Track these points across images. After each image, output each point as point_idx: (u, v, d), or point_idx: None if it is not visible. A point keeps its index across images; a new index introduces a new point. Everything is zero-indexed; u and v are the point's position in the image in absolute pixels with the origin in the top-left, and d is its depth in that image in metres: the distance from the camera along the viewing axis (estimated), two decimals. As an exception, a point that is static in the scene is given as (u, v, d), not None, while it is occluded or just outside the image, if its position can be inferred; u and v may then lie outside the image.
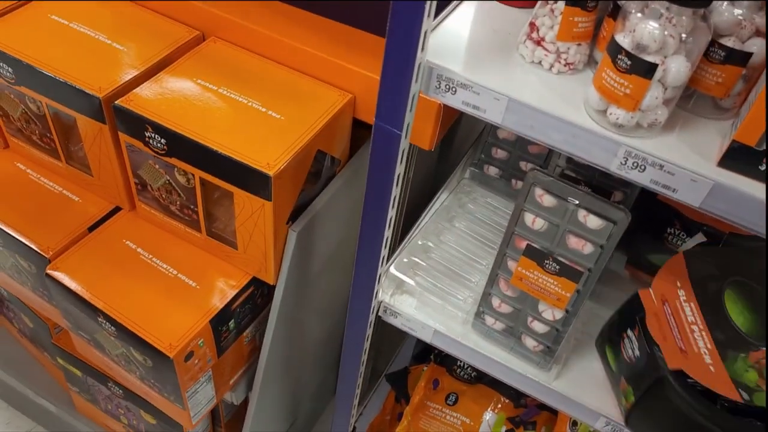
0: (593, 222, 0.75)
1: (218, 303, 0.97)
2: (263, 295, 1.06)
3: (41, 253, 1.01)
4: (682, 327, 0.77)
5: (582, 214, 0.75)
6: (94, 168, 1.03)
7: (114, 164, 1.00)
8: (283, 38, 0.99)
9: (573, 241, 0.77)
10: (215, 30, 1.04)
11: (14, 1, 1.05)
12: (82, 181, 1.08)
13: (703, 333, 0.76)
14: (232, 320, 1.01)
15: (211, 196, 0.96)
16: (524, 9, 0.80)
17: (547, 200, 0.76)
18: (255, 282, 1.02)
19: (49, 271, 0.99)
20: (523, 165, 1.07)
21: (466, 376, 1.28)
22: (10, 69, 0.97)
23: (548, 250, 0.79)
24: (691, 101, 0.68)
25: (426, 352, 1.37)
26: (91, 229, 1.05)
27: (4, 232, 1.03)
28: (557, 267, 0.79)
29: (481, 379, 1.28)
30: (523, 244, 0.80)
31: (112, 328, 0.96)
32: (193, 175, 0.92)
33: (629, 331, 0.83)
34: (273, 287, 1.01)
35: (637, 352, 0.81)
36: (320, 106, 0.95)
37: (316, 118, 0.93)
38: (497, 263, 0.85)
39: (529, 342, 0.89)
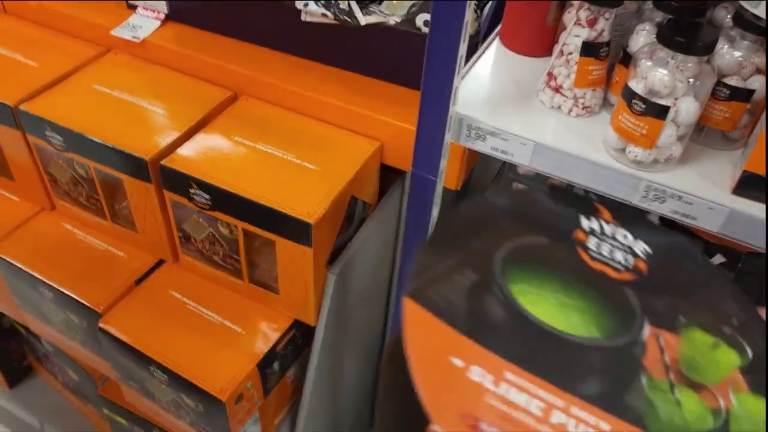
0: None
1: (263, 347, 1.02)
2: (303, 336, 1.11)
3: (92, 308, 1.06)
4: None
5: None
6: (139, 224, 1.10)
7: (159, 220, 1.06)
8: (311, 93, 1.06)
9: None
10: (247, 89, 1.12)
11: (58, 76, 1.13)
12: (126, 237, 1.14)
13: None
14: (276, 362, 1.06)
15: (253, 244, 1.02)
16: (539, 58, 0.87)
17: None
18: (296, 324, 1.07)
19: (101, 325, 1.04)
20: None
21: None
22: (60, 137, 1.04)
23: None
24: (702, 134, 0.74)
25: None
26: (138, 282, 1.11)
27: (57, 289, 1.09)
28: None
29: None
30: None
31: (164, 376, 1.01)
32: (236, 226, 0.98)
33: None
34: (313, 328, 1.06)
35: None
36: (351, 154, 1.02)
37: (348, 167, 0.99)
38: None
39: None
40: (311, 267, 0.96)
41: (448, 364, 0.61)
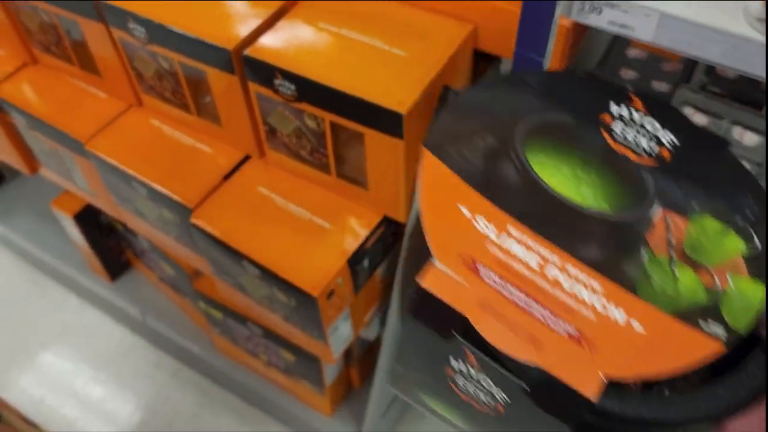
0: (750, 139, 0.71)
1: (353, 243, 1.00)
2: (393, 234, 1.08)
3: (184, 204, 1.07)
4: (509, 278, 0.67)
5: (737, 131, 0.71)
6: (225, 119, 1.08)
7: (244, 114, 1.03)
8: (399, -27, 0.98)
9: (730, 158, 0.73)
10: (330, -29, 1.04)
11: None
12: (212, 132, 1.13)
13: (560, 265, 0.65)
14: (366, 259, 1.04)
15: (341, 137, 0.98)
16: None
17: (699, 119, 0.72)
18: (386, 221, 1.04)
19: (193, 221, 1.05)
20: (657, 84, 1.02)
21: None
22: (142, 29, 1.01)
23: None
24: None
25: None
26: (226, 177, 1.10)
27: (149, 186, 1.10)
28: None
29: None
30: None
31: (257, 271, 1.01)
32: (323, 119, 0.93)
33: None
34: (402, 225, 1.03)
35: None
36: (442, 39, 0.94)
37: (440, 53, 0.92)
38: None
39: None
40: (402, 160, 0.91)
41: (456, 211, 0.67)
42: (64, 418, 1.60)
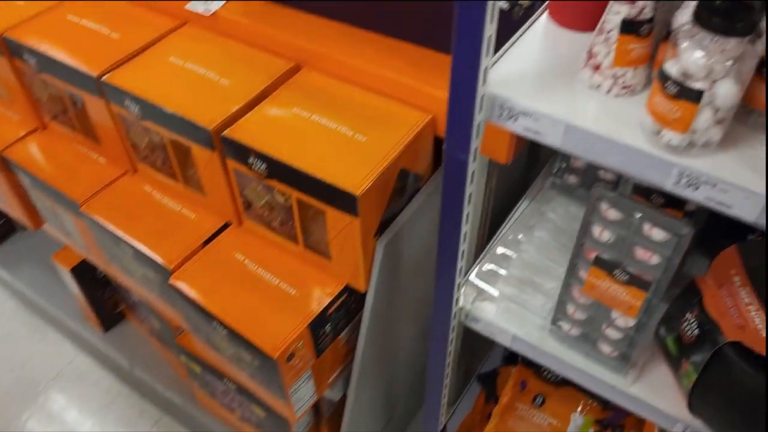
0: (658, 235, 0.78)
1: (315, 308, 1.08)
2: (356, 301, 1.16)
3: (165, 265, 1.15)
4: (738, 308, 0.79)
5: (647, 227, 0.78)
6: (207, 189, 1.17)
7: (223, 186, 1.13)
8: (368, 65, 1.08)
9: (640, 253, 0.80)
10: (308, 60, 1.15)
11: (137, 48, 1.21)
12: (196, 200, 1.22)
13: (759, 312, 0.78)
14: (329, 324, 1.11)
15: (307, 212, 1.07)
16: (586, 33, 0.84)
17: (612, 214, 0.80)
18: (348, 289, 1.11)
19: (171, 282, 1.13)
20: (602, 173, 1.11)
21: (552, 378, 1.32)
22: (137, 107, 1.12)
23: (617, 260, 0.83)
24: (750, 117, 0.70)
25: (516, 354, 1.42)
26: (206, 243, 1.19)
27: (135, 247, 1.19)
28: (626, 276, 0.82)
29: (567, 381, 1.31)
30: (593, 255, 0.84)
31: (225, 331, 1.09)
32: (290, 195, 1.02)
33: (688, 314, 0.86)
34: (365, 294, 1.11)
35: (696, 331, 0.84)
36: (402, 127, 1.03)
37: (398, 140, 1.01)
38: (569, 272, 0.90)
39: (605, 348, 0.93)
40: (359, 236, 1.00)
41: None
42: (49, 462, 1.65)
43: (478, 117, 0.74)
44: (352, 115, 1.06)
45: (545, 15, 0.88)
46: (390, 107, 1.08)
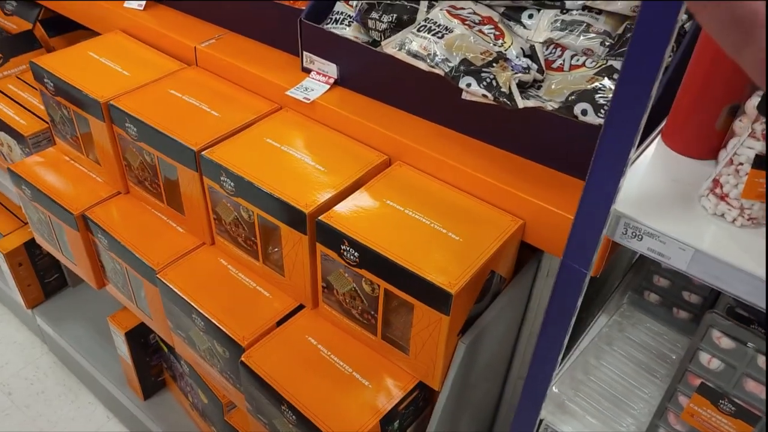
0: (771, 367, 0.77)
1: (387, 404, 1.06)
2: (425, 399, 1.13)
3: (238, 342, 1.15)
4: None
5: (762, 360, 0.77)
6: (288, 270, 1.18)
7: (306, 269, 1.13)
8: (461, 166, 1.11)
9: (751, 385, 0.79)
10: (401, 155, 1.18)
11: (236, 127, 1.25)
12: (274, 279, 1.23)
13: None
14: (398, 420, 1.08)
15: (391, 304, 1.07)
16: (701, 160, 0.86)
17: (725, 343, 0.79)
18: (420, 385, 1.09)
19: (243, 359, 1.12)
20: (686, 295, 1.10)
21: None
22: (232, 183, 1.15)
23: (724, 390, 0.81)
24: None
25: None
26: (279, 323, 1.18)
27: (208, 319, 1.19)
28: (733, 408, 0.81)
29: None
30: (697, 382, 0.83)
31: (293, 416, 1.07)
32: (378, 285, 1.03)
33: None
34: (435, 391, 1.09)
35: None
36: (494, 229, 1.05)
37: (491, 242, 1.02)
38: (667, 396, 0.88)
39: (697, 479, 0.90)
40: (445, 334, 0.99)
41: None
42: None
43: (603, 231, 0.75)
44: (445, 212, 1.08)
45: (658, 138, 0.90)
46: (481, 208, 1.09)
